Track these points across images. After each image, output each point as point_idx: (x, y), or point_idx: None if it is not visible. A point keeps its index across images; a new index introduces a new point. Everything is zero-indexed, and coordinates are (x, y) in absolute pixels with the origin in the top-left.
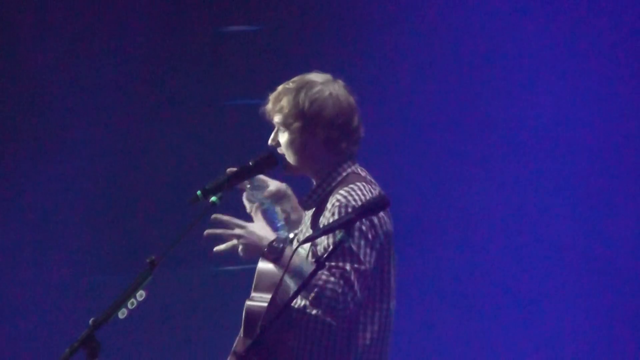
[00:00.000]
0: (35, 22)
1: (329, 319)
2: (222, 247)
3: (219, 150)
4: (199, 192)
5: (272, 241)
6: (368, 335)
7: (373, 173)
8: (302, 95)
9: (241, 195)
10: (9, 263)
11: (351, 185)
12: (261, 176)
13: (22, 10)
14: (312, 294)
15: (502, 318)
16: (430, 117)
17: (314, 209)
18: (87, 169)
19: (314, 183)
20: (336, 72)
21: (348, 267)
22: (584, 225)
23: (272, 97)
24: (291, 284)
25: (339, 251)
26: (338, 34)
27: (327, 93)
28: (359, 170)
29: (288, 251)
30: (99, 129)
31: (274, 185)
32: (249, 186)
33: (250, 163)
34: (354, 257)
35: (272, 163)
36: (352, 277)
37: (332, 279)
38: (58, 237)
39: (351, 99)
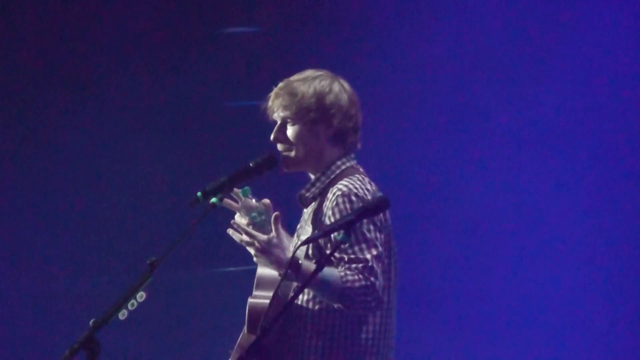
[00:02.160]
0: (35, 22)
1: (339, 312)
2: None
3: (219, 151)
4: (199, 194)
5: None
6: (371, 328)
7: (373, 173)
8: (316, 85)
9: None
10: (9, 264)
11: (350, 177)
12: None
13: (23, 11)
14: (345, 298)
15: (503, 318)
16: (430, 117)
17: (312, 204)
18: (87, 169)
19: (312, 178)
20: (336, 72)
21: (369, 255)
22: (585, 225)
23: (278, 90)
24: (318, 294)
25: (353, 239)
26: (338, 34)
27: (338, 85)
28: (357, 166)
29: (305, 264)
30: (99, 129)
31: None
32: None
33: (251, 164)
34: (369, 243)
35: (272, 164)
36: (375, 266)
37: (357, 276)
38: (58, 238)
39: (356, 95)
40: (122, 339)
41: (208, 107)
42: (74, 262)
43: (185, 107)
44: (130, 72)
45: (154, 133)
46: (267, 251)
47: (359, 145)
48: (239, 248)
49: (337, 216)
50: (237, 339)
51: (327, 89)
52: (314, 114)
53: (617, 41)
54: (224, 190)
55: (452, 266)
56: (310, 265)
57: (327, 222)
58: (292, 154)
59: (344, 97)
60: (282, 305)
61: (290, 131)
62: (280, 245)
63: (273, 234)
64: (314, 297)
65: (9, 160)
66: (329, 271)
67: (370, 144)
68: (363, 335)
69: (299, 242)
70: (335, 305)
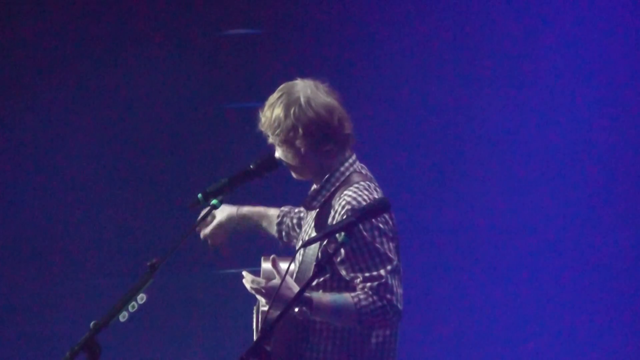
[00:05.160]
0: (36, 23)
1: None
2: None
3: (219, 153)
4: (199, 195)
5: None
6: (381, 332)
7: (373, 173)
8: (275, 109)
9: (242, 199)
10: (10, 265)
11: (356, 185)
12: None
13: (22, 11)
14: (363, 322)
15: (502, 319)
16: (430, 117)
17: (317, 209)
18: (88, 171)
19: (315, 185)
20: (336, 73)
21: (383, 272)
22: (585, 225)
23: (260, 113)
24: (334, 322)
25: (366, 255)
26: (337, 35)
27: (300, 101)
28: (360, 168)
29: (315, 295)
30: (100, 131)
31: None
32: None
33: (252, 166)
34: (383, 258)
35: (273, 166)
36: (390, 281)
37: (372, 298)
38: (59, 239)
39: (329, 100)
40: (123, 341)
41: (209, 109)
42: (74, 263)
43: (186, 109)
44: (129, 73)
45: (154, 134)
46: (275, 294)
47: (347, 147)
48: (240, 250)
49: (366, 232)
50: (238, 341)
51: (282, 114)
52: (280, 137)
53: (617, 41)
54: (225, 192)
55: (452, 267)
56: (322, 297)
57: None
58: (290, 166)
59: (302, 116)
60: (283, 310)
61: (275, 149)
62: (287, 285)
63: (277, 278)
64: None
65: (10, 158)
66: (341, 299)
67: (369, 145)
68: (373, 340)
69: (299, 245)
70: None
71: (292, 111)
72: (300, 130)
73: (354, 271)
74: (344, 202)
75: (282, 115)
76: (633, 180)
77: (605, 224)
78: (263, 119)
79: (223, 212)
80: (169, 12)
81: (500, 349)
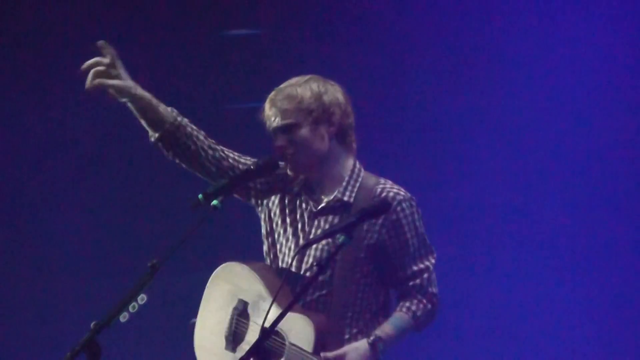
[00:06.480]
0: (37, 23)
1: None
2: None
3: None
4: (200, 196)
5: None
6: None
7: (374, 172)
8: (312, 86)
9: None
10: (11, 266)
11: (383, 181)
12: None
13: (23, 11)
14: (420, 328)
15: (502, 319)
16: (430, 117)
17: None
18: (88, 171)
19: (319, 187)
20: (337, 73)
21: (430, 262)
22: (585, 225)
23: (274, 98)
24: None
25: (418, 245)
26: (339, 36)
27: (331, 85)
28: None
29: (381, 332)
30: (100, 131)
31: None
32: None
33: (252, 167)
34: (429, 249)
35: (274, 166)
36: (434, 272)
37: (422, 303)
38: (59, 239)
39: (347, 94)
40: (123, 341)
41: (209, 109)
42: (74, 264)
43: (186, 109)
44: (130, 73)
45: None
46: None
47: (354, 145)
48: (240, 250)
49: (418, 222)
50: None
51: (323, 89)
52: (315, 113)
53: (620, 41)
54: (226, 192)
55: (451, 267)
56: (385, 329)
57: (407, 230)
58: (298, 158)
59: (340, 95)
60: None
61: (295, 136)
62: (355, 348)
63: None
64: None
65: (10, 159)
66: (399, 321)
67: (369, 144)
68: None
69: (302, 245)
70: None
71: (330, 90)
72: (340, 108)
73: (404, 261)
74: (387, 196)
75: (322, 89)
76: (633, 180)
77: (606, 224)
78: (286, 102)
79: (127, 82)
80: (169, 12)
81: (500, 348)
